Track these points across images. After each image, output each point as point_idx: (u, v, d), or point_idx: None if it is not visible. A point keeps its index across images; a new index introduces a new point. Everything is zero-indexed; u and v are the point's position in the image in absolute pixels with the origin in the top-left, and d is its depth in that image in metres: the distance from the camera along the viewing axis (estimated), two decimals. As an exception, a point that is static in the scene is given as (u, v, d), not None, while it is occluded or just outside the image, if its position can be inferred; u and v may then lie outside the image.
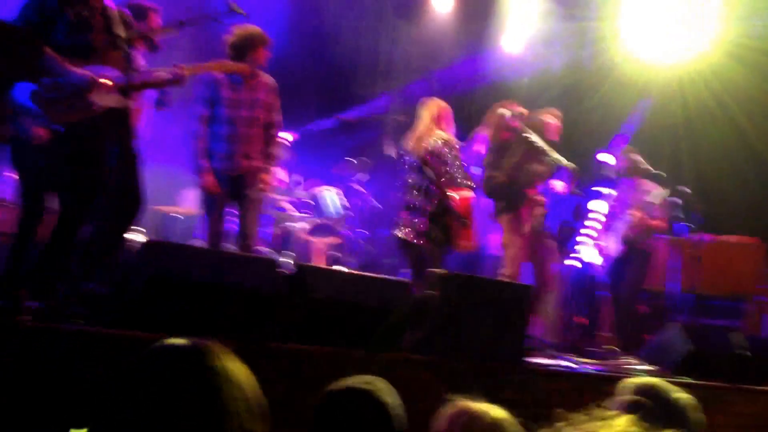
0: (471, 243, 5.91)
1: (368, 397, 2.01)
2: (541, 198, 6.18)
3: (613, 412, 1.39)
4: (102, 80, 3.91)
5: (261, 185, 5.49)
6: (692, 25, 8.99)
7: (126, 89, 4.02)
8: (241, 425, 1.27)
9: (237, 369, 1.34)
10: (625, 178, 6.78)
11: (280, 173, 7.24)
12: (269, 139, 5.57)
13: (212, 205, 5.38)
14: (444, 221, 5.76)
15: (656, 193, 6.56)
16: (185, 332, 3.06)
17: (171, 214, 7.67)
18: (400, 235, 5.82)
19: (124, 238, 4.40)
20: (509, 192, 6.12)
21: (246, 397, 1.31)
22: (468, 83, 9.84)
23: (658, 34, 9.24)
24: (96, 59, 3.97)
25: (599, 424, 0.71)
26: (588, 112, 9.24)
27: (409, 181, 5.88)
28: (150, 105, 5.49)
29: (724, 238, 7.71)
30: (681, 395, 2.60)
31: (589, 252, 6.71)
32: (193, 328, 3.25)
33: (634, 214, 6.51)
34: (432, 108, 6.01)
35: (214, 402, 1.26)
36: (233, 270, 3.54)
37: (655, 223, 6.58)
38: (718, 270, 7.20)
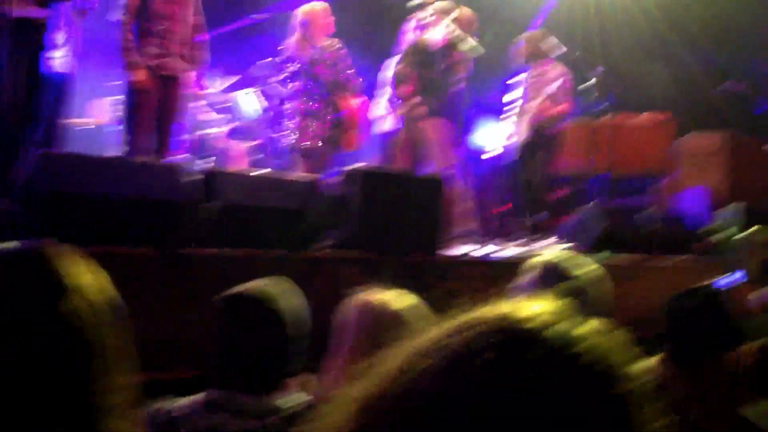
0: (356, 143, 6.22)
1: (258, 303, 1.98)
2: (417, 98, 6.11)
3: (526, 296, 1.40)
4: None
5: (187, 90, 5.34)
6: None
7: None
8: (87, 328, 1.18)
9: (79, 269, 1.23)
10: (529, 65, 6.78)
11: (212, 81, 7.11)
12: (195, 43, 5.36)
13: (140, 107, 5.08)
14: (336, 123, 6.02)
15: (556, 81, 6.58)
16: (89, 246, 2.99)
17: (80, 127, 7.40)
18: (297, 141, 6.03)
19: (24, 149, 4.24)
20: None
21: (90, 299, 1.20)
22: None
23: None
24: None
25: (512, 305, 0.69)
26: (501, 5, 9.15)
27: (297, 86, 6.04)
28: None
29: (635, 117, 7.86)
30: (585, 268, 2.66)
31: (496, 140, 6.81)
32: (98, 241, 3.18)
33: (538, 101, 6.54)
34: (306, 13, 6.09)
35: (59, 314, 1.16)
36: (138, 179, 3.45)
37: (558, 109, 6.62)
38: (631, 149, 7.36)
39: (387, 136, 6.60)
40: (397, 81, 6.13)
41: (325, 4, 6.21)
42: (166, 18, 5.14)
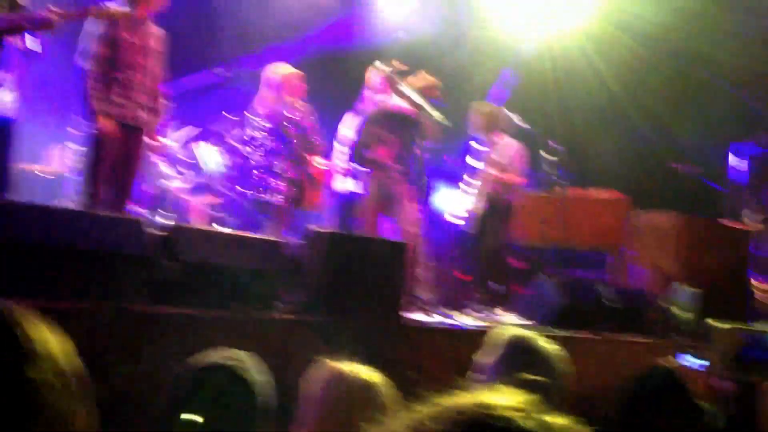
0: (318, 203, 6.37)
1: (231, 373, 1.93)
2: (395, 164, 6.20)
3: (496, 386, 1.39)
4: None
5: (148, 141, 5.27)
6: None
7: None
8: (54, 400, 1.11)
9: (46, 334, 1.16)
10: (481, 134, 6.90)
11: (174, 134, 7.11)
12: (156, 93, 5.31)
13: (101, 156, 4.99)
14: (300, 183, 6.17)
15: (506, 149, 6.71)
16: (38, 298, 2.89)
17: (35, 173, 7.25)
18: (261, 197, 6.18)
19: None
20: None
21: (58, 368, 1.14)
22: (346, 42, 9.76)
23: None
24: None
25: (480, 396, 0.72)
26: (463, 68, 9.37)
27: (267, 144, 6.19)
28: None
29: (591, 192, 8.04)
30: (548, 346, 2.67)
31: (455, 207, 6.90)
32: (48, 293, 3.08)
33: (490, 171, 6.64)
34: (278, 74, 6.30)
35: (16, 374, 1.09)
36: (95, 231, 3.36)
37: (511, 178, 6.74)
38: (585, 224, 7.49)
39: (351, 196, 6.60)
40: (368, 142, 6.16)
41: (300, 72, 6.41)
42: (131, 68, 5.10)
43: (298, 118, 6.21)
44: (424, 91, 6.16)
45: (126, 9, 4.68)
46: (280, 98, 6.26)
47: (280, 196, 6.10)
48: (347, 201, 6.61)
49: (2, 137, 4.20)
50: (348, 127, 6.58)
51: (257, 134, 6.34)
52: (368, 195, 6.19)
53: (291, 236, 5.94)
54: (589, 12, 9.05)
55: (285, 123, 6.17)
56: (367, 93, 6.61)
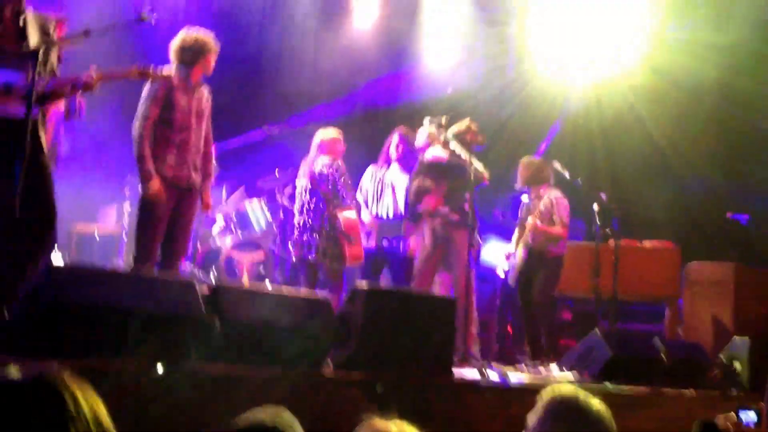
0: (358, 258, 6.45)
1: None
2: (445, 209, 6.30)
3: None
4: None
5: (201, 203, 5.37)
6: (609, 37, 9.21)
7: (30, 96, 3.82)
8: None
9: (92, 398, 1.23)
10: (527, 187, 6.90)
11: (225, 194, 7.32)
12: (206, 155, 5.42)
13: (152, 217, 5.06)
14: (334, 238, 6.31)
15: (553, 202, 6.68)
16: (88, 359, 2.94)
17: (90, 234, 7.44)
18: (294, 253, 6.45)
19: (37, 261, 4.21)
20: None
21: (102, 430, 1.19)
22: (393, 98, 9.90)
23: (577, 44, 9.44)
24: None
25: None
26: (510, 121, 9.41)
27: (302, 201, 6.48)
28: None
29: (641, 243, 7.92)
30: (594, 403, 2.61)
31: (504, 260, 6.87)
32: (97, 355, 3.14)
33: (537, 223, 6.62)
34: (318, 136, 6.61)
35: None
36: (144, 292, 3.43)
37: (554, 230, 6.69)
38: (636, 275, 7.37)
39: (394, 250, 6.70)
40: (416, 197, 6.28)
41: (340, 133, 6.68)
42: (186, 129, 5.21)
43: (329, 175, 6.39)
44: (466, 137, 6.21)
45: (170, 70, 4.77)
46: (317, 157, 6.51)
47: (318, 253, 6.29)
48: (391, 255, 6.69)
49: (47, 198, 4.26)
50: (368, 179, 6.77)
51: (298, 192, 6.66)
52: (426, 245, 6.26)
53: (331, 292, 6.05)
54: (633, 62, 9.05)
55: (316, 179, 6.42)
56: (389, 145, 6.80)
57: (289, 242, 6.70)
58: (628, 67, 9.10)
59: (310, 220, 6.38)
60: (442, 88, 10.09)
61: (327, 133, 6.65)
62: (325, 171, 6.39)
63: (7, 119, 3.87)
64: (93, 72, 4.12)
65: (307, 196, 6.46)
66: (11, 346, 3.12)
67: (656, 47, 8.96)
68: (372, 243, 6.75)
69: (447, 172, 6.23)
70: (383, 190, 6.87)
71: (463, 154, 5.84)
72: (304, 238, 6.40)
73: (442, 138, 6.12)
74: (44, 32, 4.13)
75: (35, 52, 3.81)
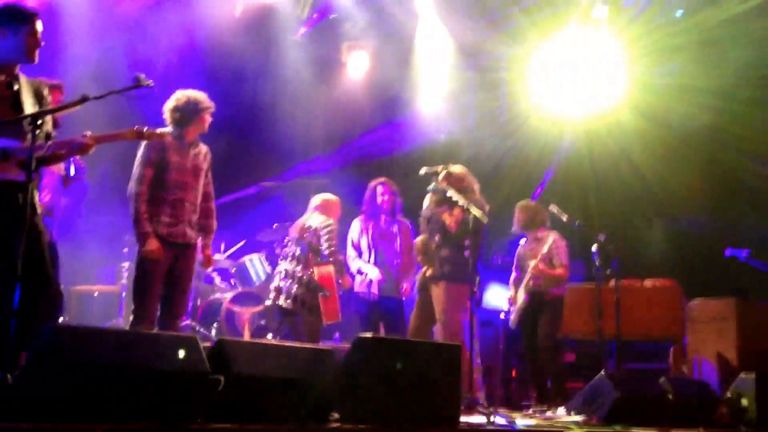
0: (334, 314, 6.48)
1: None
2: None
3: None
4: None
5: (200, 259, 5.38)
6: (597, 80, 9.35)
7: (30, 161, 3.85)
8: None
9: None
10: (525, 231, 6.92)
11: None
12: (206, 211, 5.45)
13: (150, 276, 5.09)
14: (312, 290, 6.40)
15: (550, 244, 6.71)
16: (97, 419, 2.92)
17: (89, 294, 7.43)
18: (273, 299, 6.52)
19: (35, 322, 4.20)
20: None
21: None
22: (386, 148, 9.99)
23: (566, 88, 9.57)
24: None
25: None
26: (503, 164, 9.50)
27: (289, 251, 6.62)
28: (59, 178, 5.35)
29: (642, 282, 7.91)
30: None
31: (505, 304, 6.86)
32: (107, 414, 3.11)
33: (536, 266, 6.63)
34: (317, 198, 6.84)
35: None
36: (145, 350, 3.41)
37: (555, 272, 6.70)
38: (639, 314, 7.36)
39: (394, 301, 6.69)
40: (417, 250, 6.35)
41: (337, 199, 6.85)
42: (181, 188, 5.25)
43: (318, 230, 6.52)
44: (463, 183, 6.20)
45: (164, 130, 4.83)
46: (312, 213, 6.70)
47: (291, 300, 6.39)
48: (392, 306, 6.68)
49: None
50: (355, 231, 6.80)
51: (286, 241, 6.86)
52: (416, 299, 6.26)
53: (311, 342, 6.06)
54: (621, 105, 9.19)
55: (307, 233, 6.53)
56: (375, 196, 6.86)
57: (270, 286, 6.77)
58: (618, 110, 9.23)
59: (292, 268, 6.50)
60: (436, 136, 10.20)
61: (325, 196, 6.85)
62: (314, 225, 6.53)
63: (6, 183, 3.90)
64: (88, 135, 4.17)
65: (294, 247, 6.60)
66: (16, 411, 3.08)
67: (645, 90, 9.09)
68: (374, 296, 6.73)
69: (450, 237, 6.18)
70: (377, 241, 6.85)
71: (461, 201, 5.83)
72: (284, 285, 6.50)
73: (443, 189, 6.05)
74: (39, 97, 4.18)
75: (32, 118, 3.85)
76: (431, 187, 6.16)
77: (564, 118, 9.56)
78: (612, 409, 5.19)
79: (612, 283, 6.69)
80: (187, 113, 5.30)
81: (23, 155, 3.90)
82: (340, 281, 6.59)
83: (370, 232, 6.85)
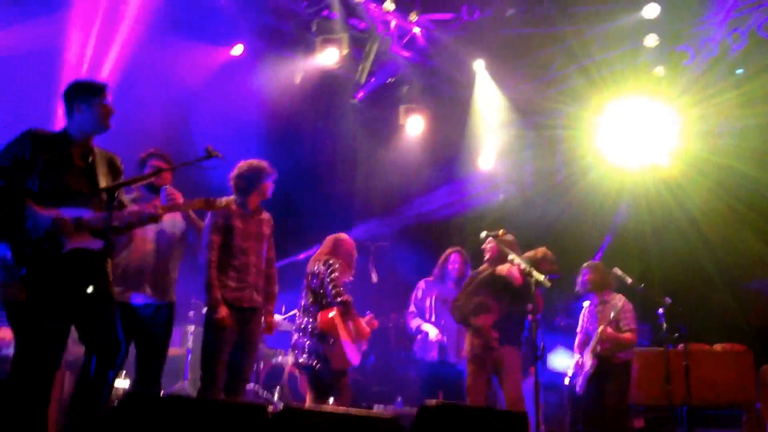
0: (342, 359, 5.99)
1: None
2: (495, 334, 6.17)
3: None
4: (71, 221, 3.94)
5: (264, 324, 5.45)
6: (657, 139, 9.28)
7: (102, 230, 4.00)
8: None
9: None
10: (592, 293, 6.82)
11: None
12: (269, 277, 5.54)
13: (219, 341, 5.17)
14: (318, 337, 5.94)
15: (617, 307, 6.59)
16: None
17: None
18: (298, 360, 5.98)
19: (107, 385, 4.28)
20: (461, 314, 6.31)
21: None
22: (444, 210, 10.01)
23: (625, 146, 9.52)
24: (71, 201, 4.03)
25: None
26: (559, 222, 9.41)
27: (302, 302, 6.15)
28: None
29: (711, 347, 7.70)
30: None
31: (570, 369, 6.73)
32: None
33: (603, 330, 6.52)
34: (329, 241, 6.33)
35: None
36: (220, 419, 3.44)
37: (624, 336, 6.59)
38: (709, 380, 7.14)
39: (454, 366, 6.62)
40: (474, 309, 6.21)
41: (349, 238, 6.44)
42: (245, 253, 5.37)
43: (320, 273, 6.11)
44: (541, 266, 6.12)
45: (228, 198, 4.96)
46: (319, 257, 6.26)
47: (302, 354, 5.96)
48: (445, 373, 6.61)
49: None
50: (420, 290, 6.75)
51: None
52: (474, 362, 6.13)
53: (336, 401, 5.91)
54: (682, 164, 9.07)
55: (312, 279, 6.13)
56: (449, 263, 6.79)
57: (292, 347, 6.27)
58: (678, 169, 9.12)
59: (303, 322, 6.12)
60: (494, 196, 10.21)
61: (336, 237, 6.47)
62: (316, 269, 6.18)
63: (81, 251, 4.03)
64: (159, 205, 4.34)
65: (305, 296, 6.24)
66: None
67: (706, 150, 8.98)
68: (433, 358, 6.68)
69: (513, 294, 6.11)
70: (440, 306, 6.84)
71: (523, 264, 5.80)
72: (298, 340, 6.12)
73: (511, 259, 6.02)
74: (112, 168, 4.35)
75: (107, 190, 4.00)
76: (491, 238, 6.14)
77: (623, 177, 9.48)
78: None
79: (680, 347, 6.53)
80: (249, 182, 5.45)
81: (98, 225, 4.04)
82: (350, 323, 6.20)
83: (435, 295, 6.86)
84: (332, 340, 5.96)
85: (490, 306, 6.18)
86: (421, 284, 7.00)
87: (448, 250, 7.05)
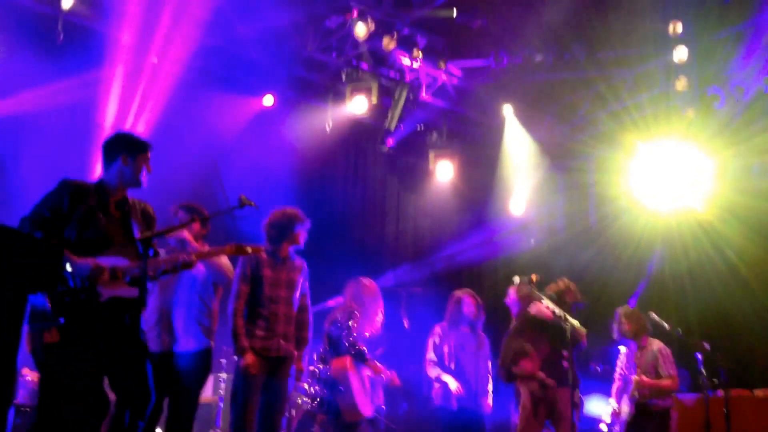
0: (353, 413, 5.97)
1: None
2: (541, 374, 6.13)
3: None
4: (107, 269, 3.99)
5: (294, 371, 5.43)
6: (689, 182, 9.20)
7: (137, 279, 4.06)
8: None
9: None
10: (630, 339, 6.73)
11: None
12: (301, 323, 5.53)
13: (249, 389, 5.16)
14: (330, 387, 5.99)
15: (654, 353, 6.49)
16: None
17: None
18: (304, 406, 6.06)
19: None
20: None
21: None
22: (476, 254, 9.97)
23: (657, 188, 9.44)
24: (107, 251, 4.10)
25: None
26: (592, 266, 9.30)
27: (321, 349, 6.23)
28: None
29: (752, 392, 7.50)
30: None
31: (608, 416, 6.62)
32: None
33: (640, 376, 6.41)
34: (350, 287, 6.51)
35: None
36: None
37: (663, 383, 6.46)
38: (751, 426, 6.95)
39: (474, 413, 6.55)
40: (513, 358, 6.16)
41: (373, 283, 6.63)
42: (273, 302, 5.37)
43: (337, 322, 6.26)
44: (565, 297, 6.13)
45: (260, 246, 5.01)
46: (343, 305, 6.46)
47: (312, 403, 5.97)
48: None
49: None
50: (437, 336, 6.78)
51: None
52: (526, 406, 6.08)
53: None
54: (711, 204, 8.96)
55: (330, 328, 6.27)
56: (460, 305, 6.80)
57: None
58: (713, 212, 9.01)
59: (318, 370, 6.10)
60: (526, 241, 10.15)
61: (359, 282, 6.61)
62: (339, 317, 6.21)
63: (116, 300, 4.08)
64: (192, 253, 4.40)
65: (323, 344, 6.26)
66: None
67: (739, 193, 8.87)
68: (452, 406, 6.60)
69: (548, 332, 6.08)
70: (459, 353, 6.76)
71: (559, 312, 5.77)
72: (312, 389, 6.14)
73: (536, 297, 6.01)
74: (146, 218, 4.43)
75: (144, 241, 4.06)
76: (524, 287, 6.11)
77: (656, 221, 9.38)
78: None
79: (720, 393, 6.38)
80: (281, 230, 5.46)
81: (134, 273, 4.10)
82: (364, 371, 6.18)
83: (452, 341, 6.79)
84: (343, 388, 5.93)
85: (529, 351, 6.13)
86: (437, 330, 6.91)
87: (459, 293, 6.94)
